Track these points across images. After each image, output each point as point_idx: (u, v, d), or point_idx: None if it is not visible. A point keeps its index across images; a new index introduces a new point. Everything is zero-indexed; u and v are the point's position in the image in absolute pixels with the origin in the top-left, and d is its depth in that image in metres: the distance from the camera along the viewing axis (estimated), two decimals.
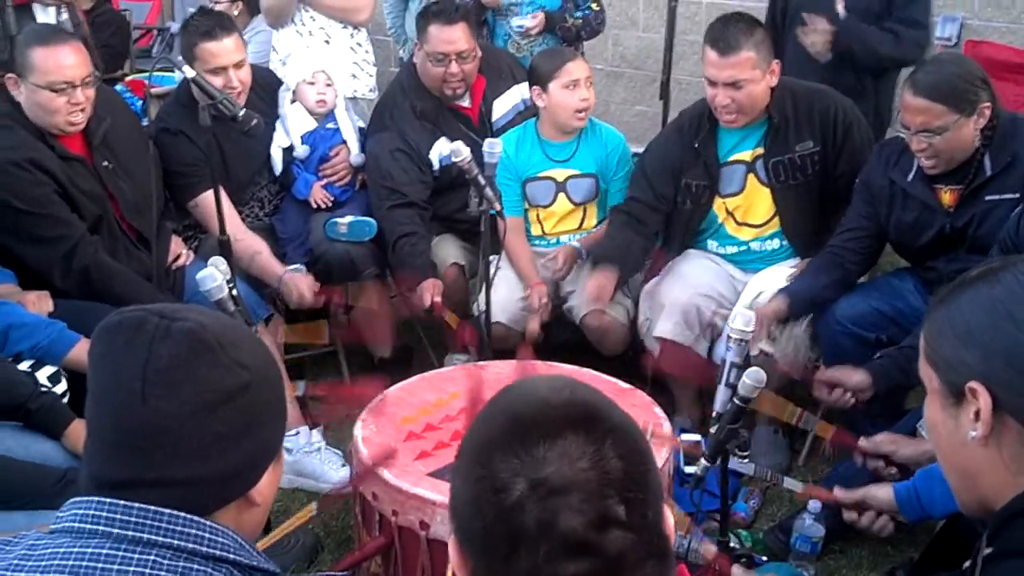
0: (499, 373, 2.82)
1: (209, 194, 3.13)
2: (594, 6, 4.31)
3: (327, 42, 4.24)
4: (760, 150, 3.32)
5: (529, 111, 3.82)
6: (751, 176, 3.36)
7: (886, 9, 3.81)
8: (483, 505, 1.00)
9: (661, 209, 3.44)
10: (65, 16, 4.23)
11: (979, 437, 1.28)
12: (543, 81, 3.56)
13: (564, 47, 3.61)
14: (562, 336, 3.64)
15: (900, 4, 3.82)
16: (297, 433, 3.30)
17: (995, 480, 1.31)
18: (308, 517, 2.57)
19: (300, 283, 3.50)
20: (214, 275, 2.44)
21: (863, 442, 2.61)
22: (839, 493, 2.50)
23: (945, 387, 1.33)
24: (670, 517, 1.06)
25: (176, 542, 1.17)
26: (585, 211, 3.71)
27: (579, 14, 4.26)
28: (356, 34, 4.35)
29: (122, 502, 1.18)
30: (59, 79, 2.98)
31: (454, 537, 1.06)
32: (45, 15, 4.19)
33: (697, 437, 3.11)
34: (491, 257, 3.17)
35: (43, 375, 2.68)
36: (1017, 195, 2.82)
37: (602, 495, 0.98)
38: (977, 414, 1.28)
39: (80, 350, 2.72)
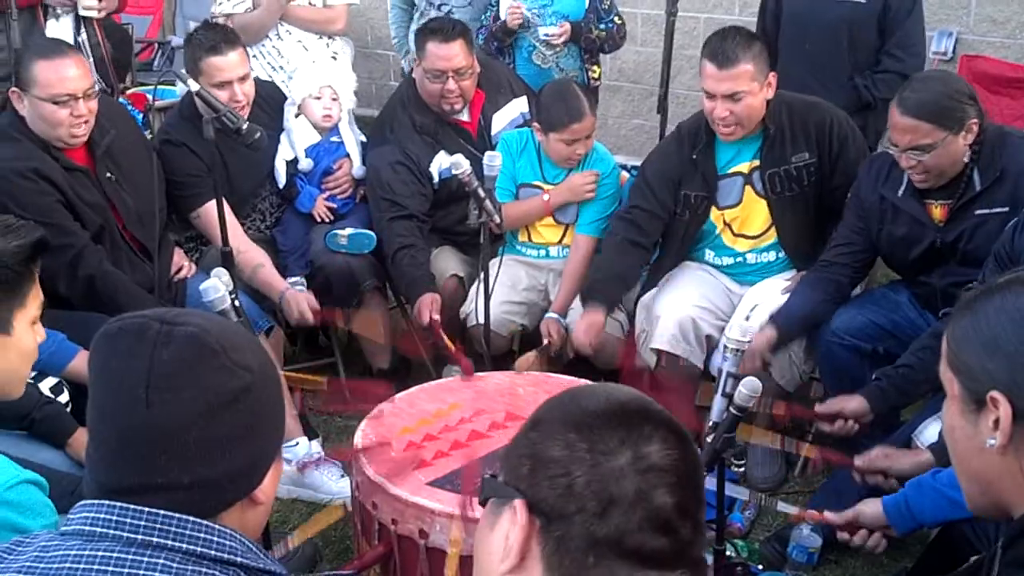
0: (498, 385, 2.85)
1: (211, 205, 3.15)
2: (616, 20, 4.36)
3: (332, 57, 4.28)
4: (756, 162, 3.35)
5: (527, 123, 3.85)
6: (748, 188, 3.38)
7: (882, 21, 3.87)
8: (577, 464, 1.07)
9: (662, 217, 3.45)
10: (84, 36, 4.23)
11: (998, 446, 1.28)
12: (544, 126, 3.58)
13: (578, 92, 3.60)
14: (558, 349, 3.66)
15: (897, 20, 3.86)
16: (296, 444, 3.31)
17: (1011, 487, 1.31)
18: (338, 516, 2.57)
19: (300, 302, 3.52)
20: (217, 286, 2.46)
21: (858, 461, 2.62)
22: (829, 516, 2.49)
23: (966, 393, 1.33)
24: None
25: (185, 546, 1.19)
26: (566, 228, 3.74)
27: (602, 26, 4.31)
28: (332, 43, 4.38)
29: (132, 506, 1.19)
30: (61, 91, 3.02)
31: (521, 499, 1.09)
32: (58, 28, 4.20)
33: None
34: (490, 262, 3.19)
35: (46, 386, 2.70)
36: (1007, 208, 2.84)
37: (686, 485, 1.07)
38: (996, 423, 1.28)
39: (80, 361, 2.74)
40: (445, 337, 3.26)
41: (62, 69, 3.04)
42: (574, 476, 1.06)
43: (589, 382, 2.72)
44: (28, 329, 1.92)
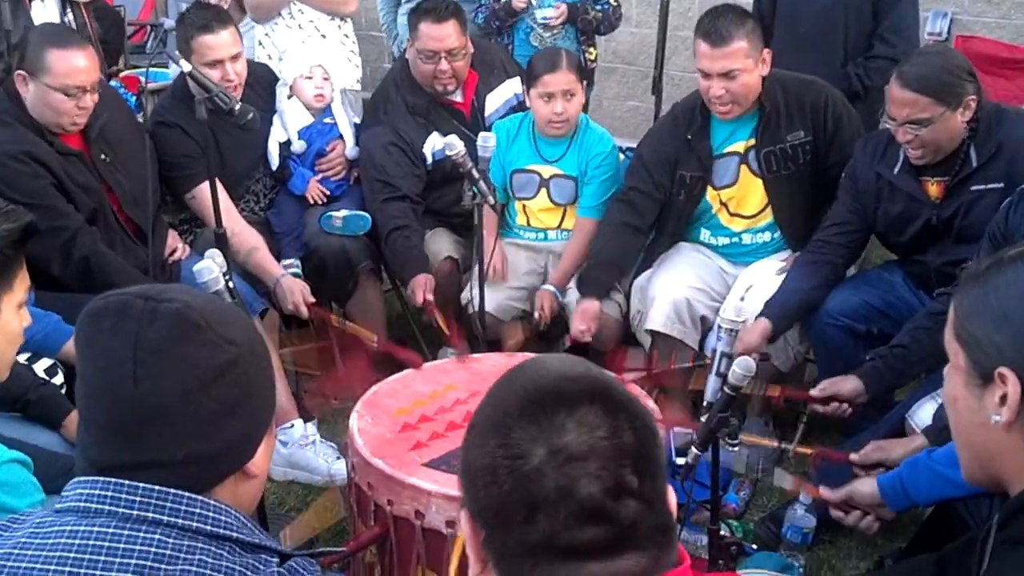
0: (494, 366, 2.85)
1: (205, 186, 3.14)
2: (612, 1, 4.37)
3: (324, 36, 4.26)
4: (752, 141, 3.34)
5: (521, 105, 3.85)
6: (744, 167, 3.37)
7: (876, 3, 3.86)
8: (500, 473, 1.03)
9: (659, 198, 3.46)
10: (70, 18, 4.20)
11: (1003, 423, 1.27)
12: (528, 83, 3.61)
13: (561, 50, 3.63)
14: (556, 331, 3.67)
15: (891, 2, 3.84)
16: (292, 426, 3.32)
17: (1013, 464, 1.30)
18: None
19: (295, 292, 3.48)
20: (211, 267, 2.45)
21: (854, 457, 2.63)
22: (825, 492, 2.52)
23: (972, 367, 1.31)
24: (672, 495, 1.09)
25: (180, 521, 1.19)
26: (565, 211, 3.73)
27: (598, 7, 4.32)
28: (343, 25, 4.36)
29: (127, 482, 1.19)
30: (73, 83, 3.02)
31: (466, 509, 1.08)
32: (43, 10, 4.16)
33: (688, 430, 3.12)
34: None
35: (40, 367, 2.70)
36: (1002, 185, 2.84)
37: (618, 464, 1.01)
38: (1003, 399, 1.27)
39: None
40: (440, 317, 3.27)
41: (75, 60, 3.03)
42: (502, 486, 1.02)
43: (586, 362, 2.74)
44: (15, 313, 1.92)
